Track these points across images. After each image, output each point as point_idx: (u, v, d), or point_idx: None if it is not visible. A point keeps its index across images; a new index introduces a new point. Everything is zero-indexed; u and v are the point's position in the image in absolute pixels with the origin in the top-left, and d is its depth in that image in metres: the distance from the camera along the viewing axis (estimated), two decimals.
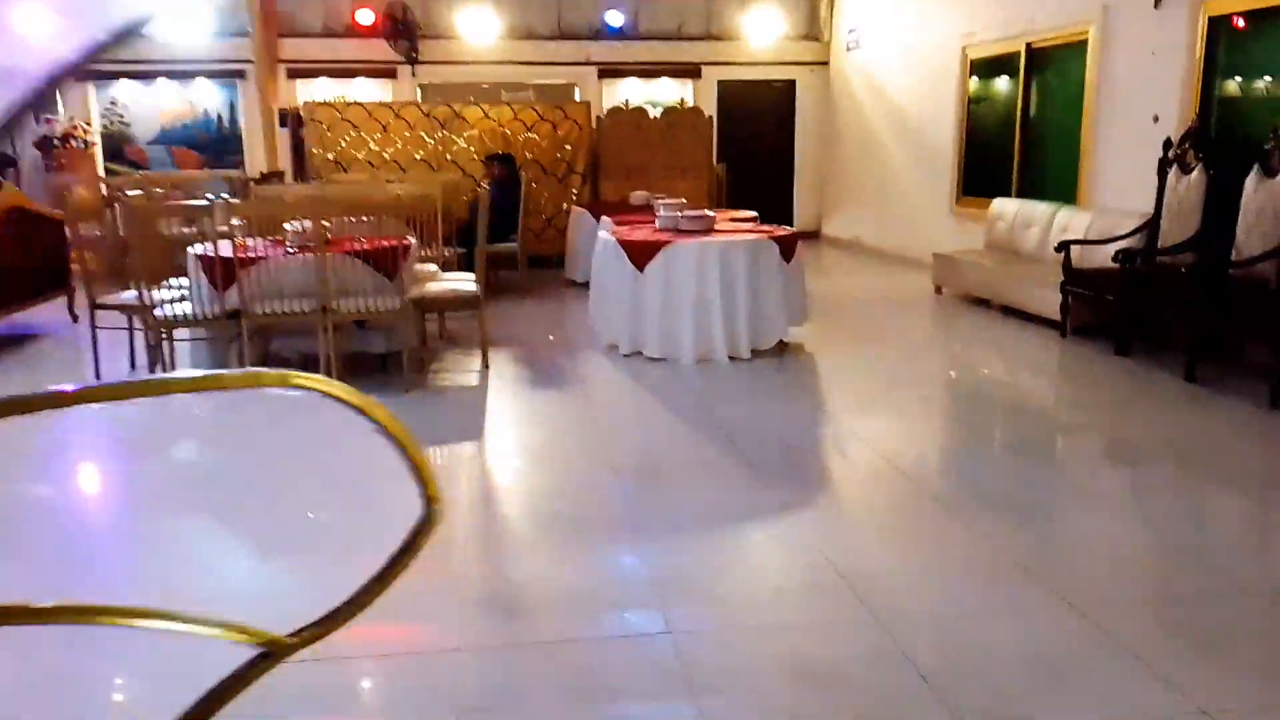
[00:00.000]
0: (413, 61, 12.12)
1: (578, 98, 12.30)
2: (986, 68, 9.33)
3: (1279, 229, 5.35)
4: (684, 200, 7.99)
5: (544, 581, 3.16)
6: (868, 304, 8.55)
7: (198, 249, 5.30)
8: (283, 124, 11.59)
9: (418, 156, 10.25)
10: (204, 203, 6.10)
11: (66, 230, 7.02)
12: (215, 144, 12.29)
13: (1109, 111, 7.39)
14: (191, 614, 0.65)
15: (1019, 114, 8.67)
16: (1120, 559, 3.29)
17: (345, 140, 10.16)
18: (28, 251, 7.08)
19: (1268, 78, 6.17)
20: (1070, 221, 7.33)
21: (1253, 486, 4.13)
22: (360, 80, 12.24)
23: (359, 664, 2.63)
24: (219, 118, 12.26)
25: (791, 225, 9.38)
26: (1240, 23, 6.25)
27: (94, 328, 5.68)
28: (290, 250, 5.31)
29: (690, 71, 12.79)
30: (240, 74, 11.96)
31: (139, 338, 5.89)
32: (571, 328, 7.43)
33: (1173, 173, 6.32)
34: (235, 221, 5.60)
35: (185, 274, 5.47)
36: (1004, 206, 8.40)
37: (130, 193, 7.20)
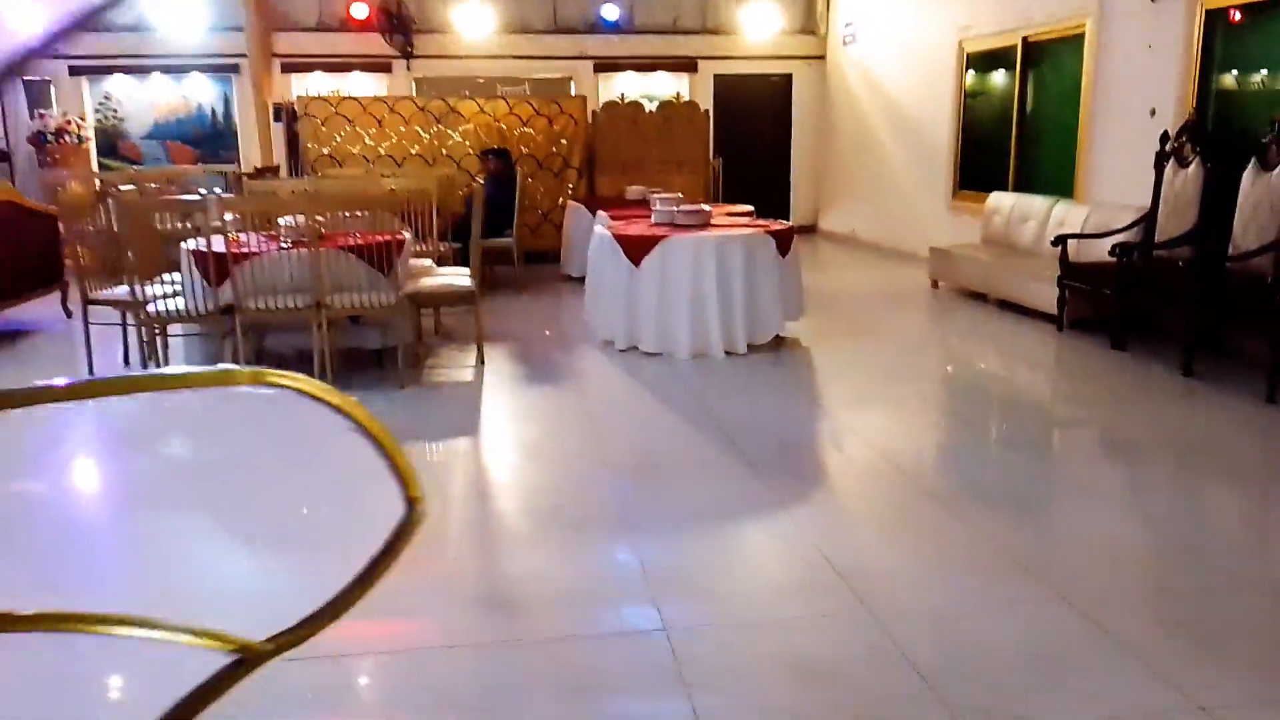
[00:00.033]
0: (408, 56, 12.08)
1: (573, 92, 12.26)
2: (983, 61, 9.30)
3: (1276, 222, 5.33)
4: (680, 195, 7.97)
5: (540, 578, 3.14)
6: (864, 298, 8.53)
7: (191, 244, 5.27)
8: (277, 119, 11.54)
9: (413, 151, 10.22)
10: (197, 198, 6.07)
11: (60, 226, 6.99)
12: (210, 139, 12.24)
13: (1106, 105, 7.37)
14: (162, 620, 0.63)
15: (1015, 108, 8.65)
16: (1118, 555, 3.28)
17: (340, 135, 10.12)
18: (21, 247, 7.05)
19: (1265, 71, 6.15)
20: (1067, 215, 7.32)
21: (1251, 481, 4.12)
22: (355, 75, 12.20)
23: (354, 662, 2.61)
24: (213, 112, 12.22)
25: (788, 220, 9.37)
26: (1237, 16, 6.23)
27: (87, 323, 5.65)
28: (284, 245, 5.28)
29: (686, 65, 12.75)
30: (234, 68, 11.91)
31: (133, 333, 5.86)
32: (567, 323, 7.41)
33: (1170, 166, 6.30)
34: (229, 216, 5.57)
35: (179, 269, 5.44)
36: (1000, 200, 8.38)
37: (123, 188, 7.16)
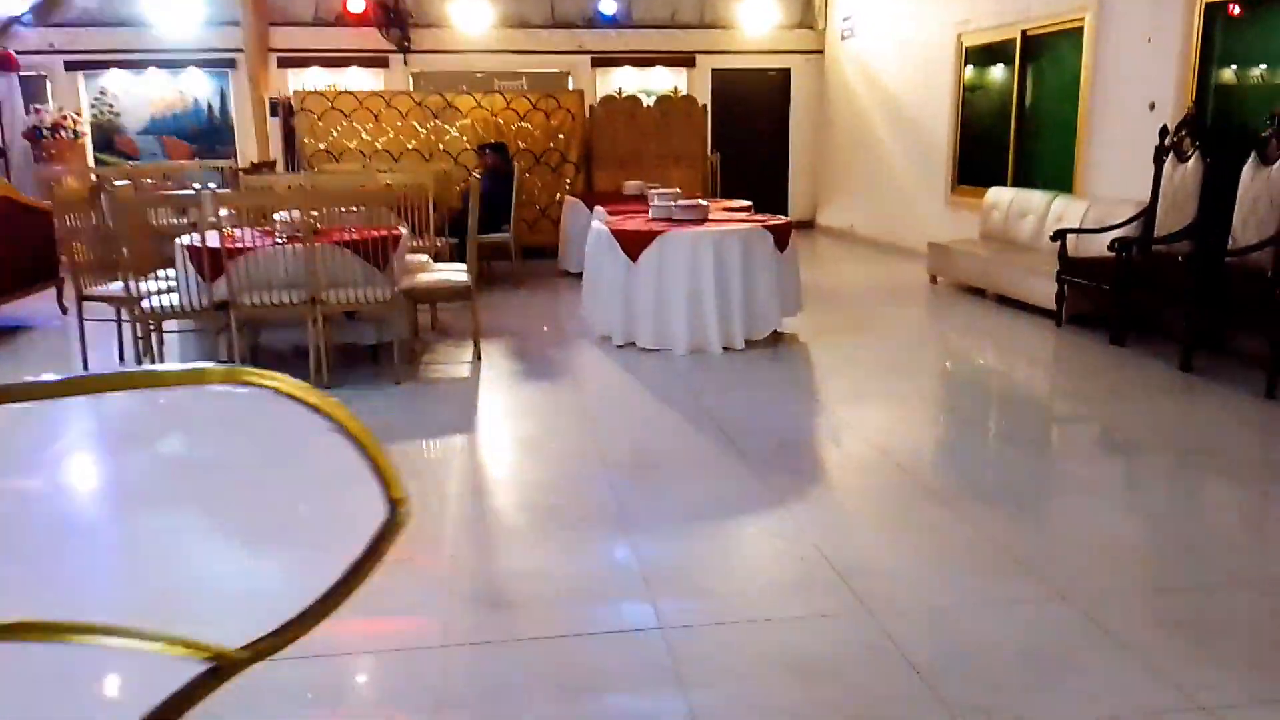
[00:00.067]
0: (405, 50, 12.04)
1: (571, 86, 12.22)
2: (982, 56, 9.27)
3: (1275, 217, 5.31)
4: (678, 190, 7.95)
5: (536, 575, 3.12)
6: (862, 294, 8.51)
7: (185, 239, 5.24)
8: (274, 113, 11.50)
9: (410, 146, 10.19)
10: (191, 193, 6.04)
11: (55, 221, 6.95)
12: (206, 134, 12.20)
13: (1105, 99, 7.34)
14: (136, 629, 0.61)
15: (1014, 102, 8.62)
16: (1117, 551, 3.26)
17: (337, 130, 10.09)
18: (17, 243, 7.01)
19: (1264, 64, 6.12)
20: (1066, 210, 7.30)
21: (1249, 477, 4.10)
22: (352, 69, 12.17)
23: (351, 660, 2.59)
24: (210, 107, 12.18)
25: (786, 215, 9.35)
26: (1236, 9, 6.21)
27: (81, 320, 5.62)
28: (279, 241, 5.25)
29: (684, 60, 12.72)
30: (231, 63, 11.87)
31: (128, 330, 5.83)
32: (564, 318, 7.39)
33: (1169, 161, 6.28)
34: (224, 212, 5.54)
35: (174, 265, 5.41)
36: (999, 195, 8.36)
37: (118, 183, 7.13)
